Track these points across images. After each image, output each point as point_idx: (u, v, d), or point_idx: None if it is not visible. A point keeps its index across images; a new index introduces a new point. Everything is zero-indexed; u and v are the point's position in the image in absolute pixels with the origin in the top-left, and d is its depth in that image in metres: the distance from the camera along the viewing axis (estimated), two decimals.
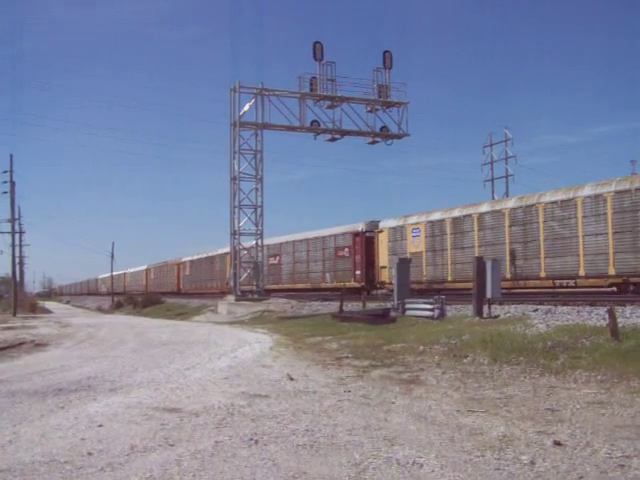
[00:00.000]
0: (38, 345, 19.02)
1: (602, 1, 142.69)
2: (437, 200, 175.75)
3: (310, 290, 38.42)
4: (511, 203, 27.63)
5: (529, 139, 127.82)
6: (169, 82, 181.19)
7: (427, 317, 19.16)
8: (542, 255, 25.03)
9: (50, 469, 5.83)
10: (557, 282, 24.79)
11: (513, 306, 18.93)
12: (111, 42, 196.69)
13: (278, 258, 42.51)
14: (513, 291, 26.61)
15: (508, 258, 26.24)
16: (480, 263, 18.90)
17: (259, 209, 35.72)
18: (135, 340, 20.09)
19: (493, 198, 53.22)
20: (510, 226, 26.84)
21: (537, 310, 17.09)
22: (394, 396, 9.31)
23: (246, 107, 35.60)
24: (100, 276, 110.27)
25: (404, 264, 24.16)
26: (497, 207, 28.29)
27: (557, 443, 6.44)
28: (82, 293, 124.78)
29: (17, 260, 52.99)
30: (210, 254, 56.52)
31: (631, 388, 9.10)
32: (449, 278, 30.02)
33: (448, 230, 30.22)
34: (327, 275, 35.94)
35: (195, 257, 61.74)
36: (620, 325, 12.32)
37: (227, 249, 52.31)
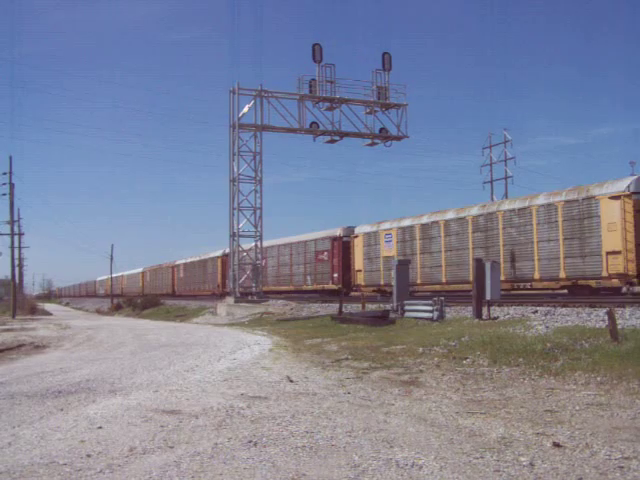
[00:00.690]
0: (37, 347, 19.01)
1: (602, 2, 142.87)
2: (436, 202, 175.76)
3: (293, 292, 40.17)
4: (474, 211, 29.32)
5: (528, 140, 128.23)
6: (168, 84, 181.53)
7: (426, 319, 19.19)
8: (501, 259, 26.43)
9: (49, 471, 5.82)
10: (515, 285, 26.54)
11: (512, 308, 18.97)
12: (110, 44, 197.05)
13: (264, 261, 43.74)
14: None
15: (471, 262, 26.88)
16: (479, 265, 18.91)
17: (258, 211, 35.78)
18: (134, 342, 20.07)
19: (492, 199, 53.29)
20: (473, 232, 28.87)
21: (536, 312, 17.12)
22: (393, 398, 9.31)
23: (245, 109, 35.66)
24: (98, 278, 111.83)
25: (403, 266, 24.15)
26: (462, 214, 29.97)
27: (556, 445, 6.44)
28: (81, 295, 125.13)
29: (16, 262, 52.92)
30: (203, 257, 58.70)
31: (630, 390, 9.10)
32: (418, 281, 31.74)
33: (417, 236, 32.38)
34: (308, 278, 37.34)
35: (189, 260, 63.45)
36: (619, 327, 12.34)
37: (219, 252, 55.09)
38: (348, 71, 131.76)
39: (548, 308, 17.61)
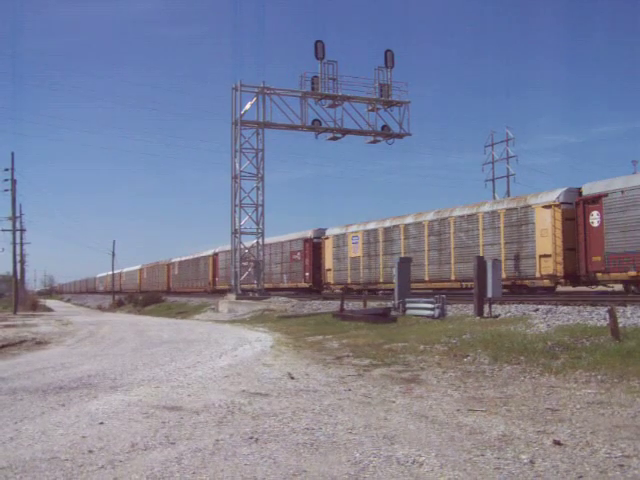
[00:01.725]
0: (39, 343, 19.03)
1: (603, 1, 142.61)
2: (438, 200, 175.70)
3: (271, 290, 42.14)
4: (430, 216, 32.16)
5: (530, 139, 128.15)
6: (170, 80, 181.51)
7: (428, 316, 19.19)
8: (452, 261, 29.92)
9: (51, 466, 5.84)
10: (463, 284, 28.86)
11: (514, 306, 18.97)
12: (112, 40, 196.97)
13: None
14: (427, 291, 30.53)
15: (427, 263, 31.37)
16: (481, 263, 18.90)
17: (260, 208, 35.80)
18: (136, 338, 20.10)
19: (494, 198, 53.29)
20: (429, 236, 31.74)
21: (538, 310, 17.12)
22: (394, 395, 9.32)
23: (247, 106, 35.66)
24: (98, 275, 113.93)
25: (405, 263, 24.15)
26: (419, 219, 32.82)
27: (557, 443, 6.44)
28: (81, 291, 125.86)
29: (18, 258, 52.95)
30: (196, 256, 61.41)
31: (631, 388, 9.11)
32: (381, 280, 34.78)
33: (381, 238, 35.10)
34: (284, 276, 39.45)
35: (183, 258, 66.21)
36: (621, 325, 12.34)
37: (210, 251, 57.56)
38: (350, 68, 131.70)
39: (549, 306, 17.61)
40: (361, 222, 37.45)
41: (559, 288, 26.75)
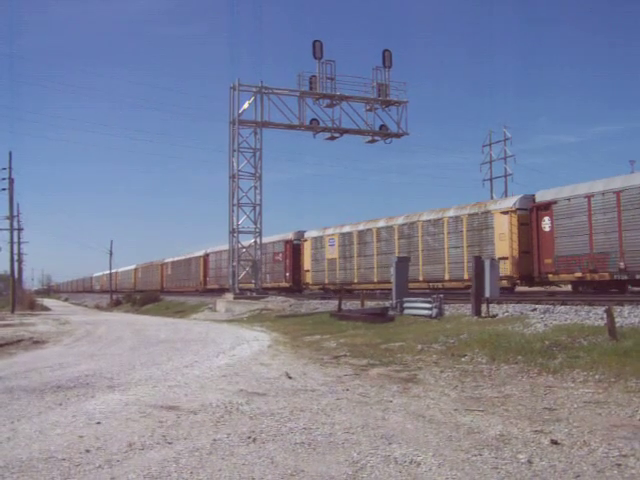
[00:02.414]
0: (36, 342, 19.02)
1: (601, 1, 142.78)
2: (436, 199, 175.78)
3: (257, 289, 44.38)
4: (400, 220, 33.91)
5: (528, 138, 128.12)
6: (168, 80, 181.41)
7: (425, 316, 19.17)
8: (420, 263, 31.49)
9: (48, 466, 5.83)
10: (431, 284, 30.71)
11: (511, 305, 18.98)
12: (110, 39, 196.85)
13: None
14: None
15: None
16: (479, 263, 18.89)
17: (258, 207, 35.79)
18: (133, 338, 20.09)
19: (492, 197, 53.30)
20: (399, 239, 33.46)
21: (535, 309, 17.12)
22: (392, 395, 9.32)
23: (245, 105, 35.61)
24: (94, 275, 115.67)
25: (402, 263, 24.15)
26: (390, 223, 34.58)
27: (554, 442, 6.45)
28: (79, 291, 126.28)
29: (16, 257, 52.80)
30: (188, 256, 63.62)
31: (628, 387, 9.12)
32: (355, 280, 36.84)
33: (355, 241, 36.99)
34: (267, 276, 40.74)
35: (176, 259, 68.34)
36: (618, 325, 12.34)
37: (201, 252, 59.55)
38: (348, 68, 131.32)
39: (547, 306, 17.61)
40: (337, 225, 39.59)
41: (518, 288, 28.41)
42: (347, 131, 37.00)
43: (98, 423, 7.50)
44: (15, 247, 51.53)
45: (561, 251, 24.71)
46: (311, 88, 35.20)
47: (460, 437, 6.77)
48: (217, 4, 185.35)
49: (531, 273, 26.38)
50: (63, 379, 10.98)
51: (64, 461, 5.97)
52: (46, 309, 54.00)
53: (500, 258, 26.06)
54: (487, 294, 18.11)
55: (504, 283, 26.15)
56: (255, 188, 35.67)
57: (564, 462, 5.83)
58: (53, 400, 9.04)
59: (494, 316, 17.22)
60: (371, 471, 5.63)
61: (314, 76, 35.17)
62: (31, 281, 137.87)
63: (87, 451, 6.30)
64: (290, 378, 10.83)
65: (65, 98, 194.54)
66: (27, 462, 5.95)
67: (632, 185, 22.57)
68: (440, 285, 30.19)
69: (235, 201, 35.38)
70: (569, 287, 26.37)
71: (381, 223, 35.31)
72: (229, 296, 35.47)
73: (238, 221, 35.64)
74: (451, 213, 30.52)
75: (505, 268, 26.31)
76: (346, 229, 38.05)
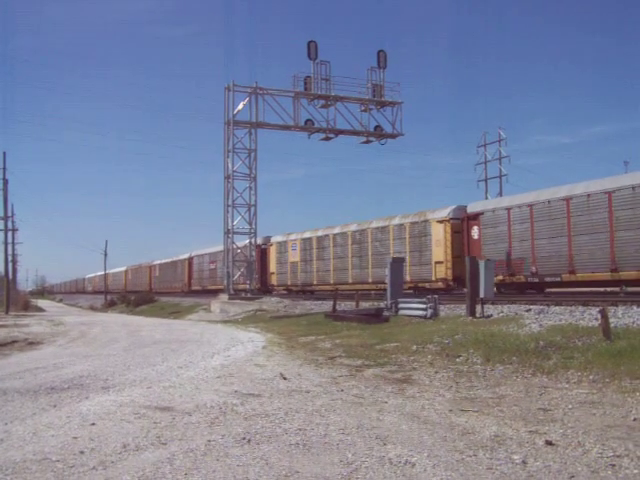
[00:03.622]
0: (31, 343, 18.95)
1: (596, 2, 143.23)
2: (430, 200, 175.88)
3: (222, 290, 46.00)
4: (353, 227, 36.95)
5: (523, 139, 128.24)
6: (163, 80, 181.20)
7: (420, 317, 19.19)
8: (370, 266, 34.75)
9: (42, 467, 5.81)
10: (379, 286, 32.16)
11: (506, 306, 19.01)
12: (104, 40, 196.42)
13: (215, 264, 53.14)
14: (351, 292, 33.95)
15: (350, 267, 36.32)
16: (474, 264, 18.91)
17: (253, 208, 35.81)
18: (128, 339, 20.05)
19: (486, 198, 53.38)
20: (352, 244, 36.38)
21: (530, 310, 17.16)
22: (387, 395, 9.32)
23: (240, 106, 35.63)
24: (86, 276, 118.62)
25: (397, 264, 24.16)
26: (344, 230, 37.62)
27: (549, 443, 6.46)
28: (73, 292, 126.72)
29: (10, 258, 52.74)
30: (174, 259, 66.70)
31: (623, 388, 9.14)
32: (314, 282, 39.97)
33: (314, 245, 39.80)
34: (241, 278, 40.67)
35: (163, 261, 71.11)
36: (612, 325, 12.37)
37: (186, 255, 62.19)
38: (343, 69, 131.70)
39: (541, 307, 17.66)
40: (299, 231, 42.42)
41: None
42: (342, 132, 37.07)
43: (92, 424, 7.48)
44: (9, 248, 51.49)
45: (487, 256, 26.58)
46: (306, 89, 35.24)
47: (455, 438, 6.77)
48: (211, 5, 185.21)
49: (463, 276, 27.60)
50: (57, 380, 10.94)
51: (58, 462, 5.95)
52: (40, 310, 53.84)
53: (436, 262, 29.95)
54: (482, 295, 18.14)
55: (440, 285, 29.78)
56: (250, 189, 35.72)
57: (558, 462, 5.84)
58: (47, 401, 9.01)
59: (489, 317, 17.25)
60: (366, 472, 5.63)
61: (309, 77, 35.23)
62: (25, 282, 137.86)
63: (81, 452, 6.28)
64: (285, 379, 10.82)
65: (59, 99, 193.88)
66: (21, 464, 5.93)
67: (540, 200, 25.78)
68: (386, 286, 31.45)
69: (230, 202, 35.40)
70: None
71: (337, 230, 38.37)
72: (224, 297, 35.46)
73: (233, 222, 35.63)
74: (396, 221, 33.44)
75: (440, 271, 29.79)
76: (307, 235, 41.01)
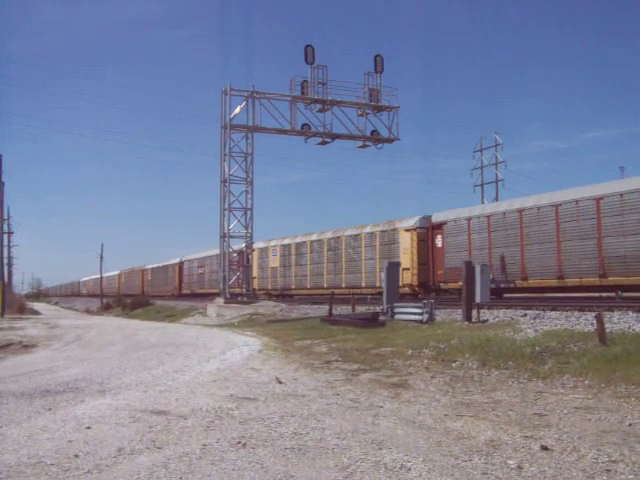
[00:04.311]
0: (26, 346, 18.91)
1: (593, 7, 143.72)
2: (427, 204, 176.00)
3: (218, 294, 47.71)
4: (328, 235, 39.05)
5: (519, 144, 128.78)
6: (160, 84, 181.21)
7: (416, 321, 19.18)
8: (343, 272, 37.03)
9: (36, 471, 5.80)
10: (351, 290, 34.20)
11: (502, 311, 19.01)
12: (102, 43, 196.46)
13: (203, 269, 56.42)
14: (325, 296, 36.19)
15: (325, 272, 38.61)
16: (469, 268, 18.93)
17: (249, 212, 35.76)
18: (124, 342, 20.01)
19: (483, 202, 53.43)
20: (327, 251, 38.58)
21: (526, 315, 17.16)
22: (382, 400, 9.32)
23: (237, 110, 35.60)
24: (81, 279, 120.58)
25: (393, 268, 24.16)
26: (321, 237, 39.68)
27: (544, 448, 6.46)
28: (69, 295, 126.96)
29: (5, 261, 52.67)
30: (165, 264, 69.12)
31: (618, 393, 9.15)
32: (293, 286, 42.21)
33: (293, 252, 42.07)
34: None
35: (155, 265, 73.49)
36: (608, 330, 12.39)
37: (177, 260, 64.50)
38: (340, 73, 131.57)
39: (537, 312, 17.66)
40: (279, 238, 44.64)
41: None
42: (338, 136, 37.06)
43: (88, 428, 7.46)
44: (5, 250, 51.41)
45: (450, 263, 29.31)
46: (303, 93, 35.25)
47: (450, 442, 6.78)
48: (209, 8, 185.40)
49: (428, 282, 31.17)
50: (53, 383, 10.92)
51: (53, 466, 5.94)
52: (36, 313, 53.67)
53: (403, 269, 30.41)
54: (478, 299, 18.16)
55: (406, 290, 30.83)
56: (246, 193, 35.67)
57: (554, 468, 5.85)
58: (42, 405, 8.99)
59: (485, 321, 17.26)
60: (361, 476, 5.63)
61: (306, 81, 35.24)
62: (21, 285, 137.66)
63: (76, 456, 6.26)
64: (280, 383, 10.81)
65: (56, 101, 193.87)
66: (15, 467, 5.91)
67: (498, 211, 27.89)
68: (358, 291, 33.98)
69: (226, 205, 35.36)
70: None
71: (314, 237, 40.40)
72: (220, 301, 35.40)
73: (229, 225, 35.61)
74: (368, 230, 35.55)
75: (407, 277, 31.29)
76: (286, 241, 43.29)
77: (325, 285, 38.33)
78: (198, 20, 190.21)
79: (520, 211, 26.31)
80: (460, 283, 26.13)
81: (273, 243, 44.68)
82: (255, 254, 43.19)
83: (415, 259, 31.31)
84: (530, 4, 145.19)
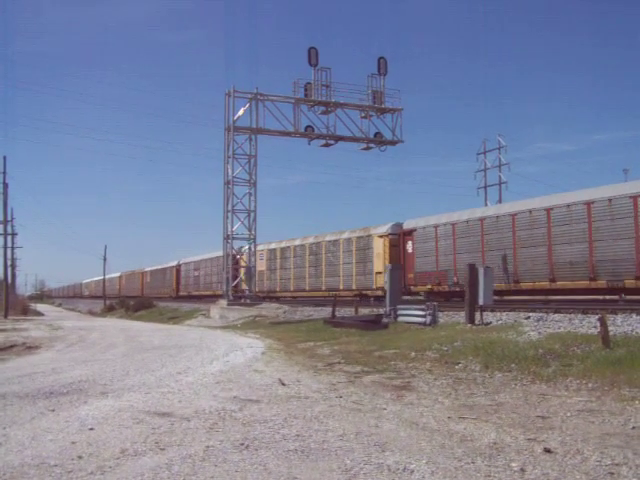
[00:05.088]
0: (29, 348, 18.94)
1: (597, 10, 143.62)
2: (430, 207, 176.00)
3: (211, 296, 49.69)
4: (310, 240, 40.89)
5: (523, 147, 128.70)
6: (163, 85, 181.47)
7: (419, 323, 19.18)
8: (323, 275, 38.85)
9: (40, 472, 5.80)
10: (331, 293, 35.80)
11: (505, 313, 19.02)
12: (105, 45, 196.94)
13: (198, 272, 58.73)
14: (308, 299, 39.59)
15: (307, 276, 40.31)
16: (473, 270, 18.91)
17: (252, 214, 35.74)
18: (127, 344, 20.03)
19: (486, 205, 53.39)
20: (309, 255, 40.39)
21: (529, 317, 17.17)
22: (385, 402, 9.31)
23: (240, 112, 35.61)
24: (83, 281, 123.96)
25: (396, 271, 24.17)
26: (303, 242, 41.41)
27: (547, 450, 6.45)
28: (72, 296, 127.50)
29: (9, 262, 52.75)
30: (163, 266, 71.14)
31: (621, 396, 9.14)
32: (278, 289, 44.10)
33: (278, 256, 44.05)
34: (218, 285, 44.75)
35: (153, 268, 75.15)
36: (611, 333, 12.38)
37: (174, 263, 66.11)
38: (344, 75, 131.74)
39: (540, 314, 17.66)
40: (266, 242, 45.44)
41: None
42: (342, 138, 37.04)
43: (91, 429, 7.47)
44: (9, 252, 51.50)
45: (419, 268, 31.22)
46: (306, 95, 35.24)
47: (453, 445, 6.77)
48: (213, 11, 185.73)
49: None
50: (56, 385, 10.93)
51: (56, 467, 5.94)
52: (39, 314, 53.79)
53: (377, 273, 33.55)
54: (481, 302, 18.14)
55: (379, 293, 32.44)
56: (250, 194, 35.66)
57: (557, 470, 5.84)
58: (46, 406, 9.00)
59: (488, 324, 17.25)
60: (364, 478, 5.62)
61: (309, 83, 35.22)
62: (24, 286, 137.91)
63: (79, 457, 6.27)
64: (284, 385, 10.81)
65: (59, 103, 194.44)
66: (19, 468, 5.92)
67: (462, 219, 29.20)
68: (336, 293, 34.85)
69: (230, 207, 35.36)
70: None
71: (297, 242, 42.23)
72: (223, 302, 35.42)
73: (232, 227, 35.62)
74: (345, 235, 37.22)
75: (380, 280, 32.69)
76: (272, 246, 44.99)
77: (307, 288, 40.40)
78: (202, 22, 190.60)
79: (481, 220, 27.97)
80: (429, 286, 30.62)
81: (260, 247, 44.87)
82: (244, 258, 43.46)
83: (387, 263, 31.75)
84: (535, 7, 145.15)
